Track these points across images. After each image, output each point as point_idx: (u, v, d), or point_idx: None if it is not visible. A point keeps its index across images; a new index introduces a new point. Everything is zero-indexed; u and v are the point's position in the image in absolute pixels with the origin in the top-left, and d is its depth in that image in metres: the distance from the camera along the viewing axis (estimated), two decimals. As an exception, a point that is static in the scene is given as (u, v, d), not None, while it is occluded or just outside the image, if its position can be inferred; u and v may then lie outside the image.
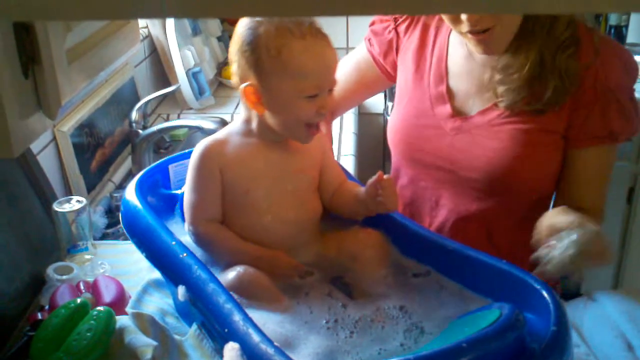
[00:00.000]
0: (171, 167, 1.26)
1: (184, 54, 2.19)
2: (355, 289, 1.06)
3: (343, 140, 2.03)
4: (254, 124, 1.08)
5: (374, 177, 1.05)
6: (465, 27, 1.11)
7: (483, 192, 1.21)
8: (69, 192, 1.56)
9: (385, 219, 1.15)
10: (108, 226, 1.55)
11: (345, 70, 1.41)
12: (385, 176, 1.05)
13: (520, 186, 1.20)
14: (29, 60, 0.75)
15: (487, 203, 1.23)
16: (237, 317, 0.89)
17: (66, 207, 1.30)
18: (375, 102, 2.40)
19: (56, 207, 1.30)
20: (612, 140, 1.19)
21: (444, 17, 1.17)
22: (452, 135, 1.23)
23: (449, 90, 1.25)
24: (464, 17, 1.09)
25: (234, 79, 1.07)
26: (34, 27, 0.74)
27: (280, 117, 1.05)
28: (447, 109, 1.24)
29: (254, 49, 1.01)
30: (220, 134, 1.12)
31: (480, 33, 1.11)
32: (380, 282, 1.05)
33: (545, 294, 0.92)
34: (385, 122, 2.29)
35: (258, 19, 1.02)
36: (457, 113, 1.24)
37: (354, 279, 1.06)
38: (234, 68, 1.06)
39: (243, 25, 1.03)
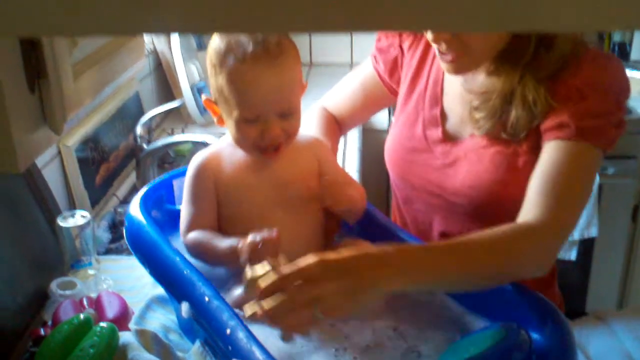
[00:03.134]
0: (176, 182, 1.25)
1: (188, 68, 2.19)
2: None
3: (347, 156, 2.03)
4: None
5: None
6: (433, 44, 1.11)
7: (472, 216, 1.19)
8: (73, 206, 1.55)
9: (385, 234, 1.14)
10: (112, 241, 1.55)
11: (352, 87, 1.41)
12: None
13: (507, 211, 1.13)
14: (35, 74, 0.75)
15: (478, 227, 1.19)
16: (240, 335, 0.88)
17: (70, 222, 1.30)
18: (380, 119, 2.40)
19: (60, 221, 1.30)
20: (564, 132, 1.04)
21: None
22: (441, 159, 1.21)
23: (442, 113, 1.23)
24: (429, 37, 1.09)
25: None
26: (40, 42, 0.75)
27: (232, 135, 1.06)
28: (438, 133, 1.22)
29: (209, 63, 1.03)
30: (215, 146, 1.12)
31: (444, 54, 1.10)
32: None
33: (550, 313, 0.91)
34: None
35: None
36: (448, 137, 1.22)
37: None
38: None
39: (213, 35, 1.05)
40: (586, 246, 2.34)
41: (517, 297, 0.96)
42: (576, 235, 2.29)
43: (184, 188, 1.11)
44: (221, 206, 1.09)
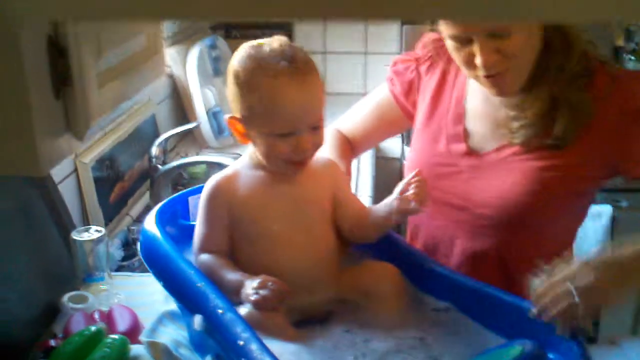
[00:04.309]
0: (191, 199, 1.26)
1: (204, 93, 2.22)
2: (373, 322, 1.05)
3: (360, 182, 2.04)
4: (257, 156, 1.10)
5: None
6: (480, 71, 1.12)
7: (497, 229, 1.19)
8: (87, 223, 1.56)
9: (403, 257, 1.14)
10: (124, 259, 1.55)
11: (367, 109, 1.43)
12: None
13: (535, 223, 1.18)
14: (60, 81, 0.77)
15: (503, 241, 1.21)
16: (254, 346, 0.88)
17: (85, 236, 1.31)
18: (392, 147, 2.42)
19: (75, 235, 1.30)
20: None
21: (460, 65, 1.17)
22: (468, 172, 1.23)
23: (465, 130, 1.25)
24: (478, 62, 1.11)
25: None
26: (67, 49, 0.76)
27: (261, 151, 1.08)
28: (462, 147, 1.24)
29: (236, 82, 1.05)
30: (230, 168, 1.13)
31: (493, 76, 1.12)
32: (398, 315, 1.05)
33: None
34: (402, 166, 2.30)
35: (245, 51, 1.05)
36: (472, 151, 1.24)
37: (370, 312, 1.06)
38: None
39: (234, 56, 1.07)
40: (599, 278, 2.32)
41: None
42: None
43: (199, 208, 1.12)
44: (237, 226, 1.09)
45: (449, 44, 1.14)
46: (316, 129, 1.06)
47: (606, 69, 1.14)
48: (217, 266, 1.07)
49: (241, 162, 1.13)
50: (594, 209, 2.22)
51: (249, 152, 1.12)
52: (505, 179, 1.18)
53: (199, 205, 1.12)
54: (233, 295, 1.02)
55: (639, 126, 1.12)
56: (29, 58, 0.71)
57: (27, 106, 0.72)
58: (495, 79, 1.13)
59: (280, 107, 1.02)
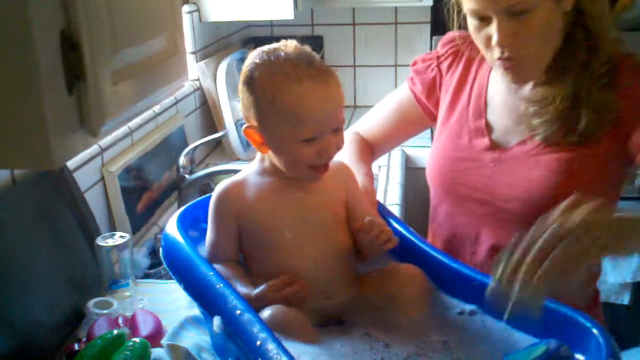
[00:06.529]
0: (213, 203, 1.25)
1: (233, 105, 2.23)
2: (396, 326, 1.02)
3: (389, 191, 2.02)
4: (267, 163, 1.09)
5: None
6: (495, 53, 1.12)
7: (523, 223, 1.15)
8: (114, 230, 1.57)
9: (427, 258, 1.12)
10: (151, 267, 1.55)
11: (387, 110, 1.42)
12: (367, 219, 1.04)
13: None
14: (73, 76, 0.77)
15: None
16: (271, 346, 0.86)
17: (109, 242, 1.31)
18: (422, 157, 2.39)
19: (99, 241, 1.31)
20: None
21: (479, 46, 1.16)
22: (491, 167, 1.21)
23: (487, 124, 1.24)
24: (494, 42, 1.10)
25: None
26: (80, 43, 0.76)
27: (282, 158, 1.05)
28: (485, 141, 1.23)
29: (252, 91, 1.02)
30: (239, 175, 1.12)
31: (508, 60, 1.12)
32: (423, 318, 1.02)
33: (596, 332, 0.87)
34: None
35: (259, 57, 1.03)
36: (495, 145, 1.22)
37: (394, 316, 1.03)
38: (240, 105, 1.07)
39: (246, 64, 1.05)
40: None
41: (562, 316, 0.93)
42: (628, 277, 2.20)
43: (209, 214, 1.11)
44: (247, 234, 1.08)
45: (470, 24, 1.14)
46: (338, 130, 1.04)
47: (631, 61, 1.13)
48: (229, 277, 1.05)
49: (251, 167, 1.12)
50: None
51: (258, 159, 1.11)
52: (530, 172, 1.16)
53: (209, 210, 1.11)
54: None
55: None
56: (41, 52, 0.72)
57: (40, 100, 0.72)
58: (510, 63, 1.12)
59: (306, 112, 0.99)
